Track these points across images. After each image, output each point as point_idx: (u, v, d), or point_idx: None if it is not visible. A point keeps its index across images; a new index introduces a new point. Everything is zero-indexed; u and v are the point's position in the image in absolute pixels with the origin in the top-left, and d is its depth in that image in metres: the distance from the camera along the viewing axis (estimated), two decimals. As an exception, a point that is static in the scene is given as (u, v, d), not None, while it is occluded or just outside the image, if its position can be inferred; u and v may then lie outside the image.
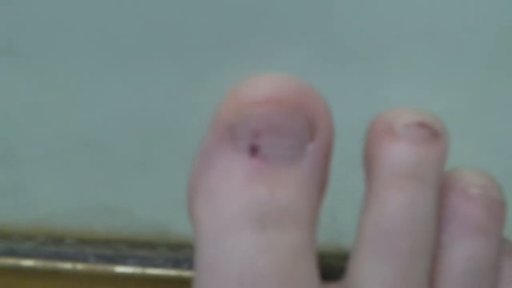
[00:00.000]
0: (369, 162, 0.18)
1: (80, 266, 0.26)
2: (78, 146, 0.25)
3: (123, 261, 0.26)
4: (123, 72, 0.24)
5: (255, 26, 0.22)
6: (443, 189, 0.18)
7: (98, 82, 0.24)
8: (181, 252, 0.26)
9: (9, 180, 0.26)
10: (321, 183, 0.17)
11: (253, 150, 0.16)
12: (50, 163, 0.25)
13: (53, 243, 0.26)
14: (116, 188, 0.26)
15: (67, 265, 0.26)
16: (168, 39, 0.23)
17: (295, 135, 0.16)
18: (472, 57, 0.23)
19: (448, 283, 0.18)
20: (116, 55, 0.23)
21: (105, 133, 0.25)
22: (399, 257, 0.17)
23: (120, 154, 0.25)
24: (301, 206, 0.17)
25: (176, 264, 0.26)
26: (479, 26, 0.22)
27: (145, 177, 0.25)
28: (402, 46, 0.22)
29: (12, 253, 0.26)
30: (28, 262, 0.26)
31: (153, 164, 0.25)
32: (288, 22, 0.22)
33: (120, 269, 0.26)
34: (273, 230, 0.16)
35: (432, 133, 0.17)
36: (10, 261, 0.26)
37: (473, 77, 0.23)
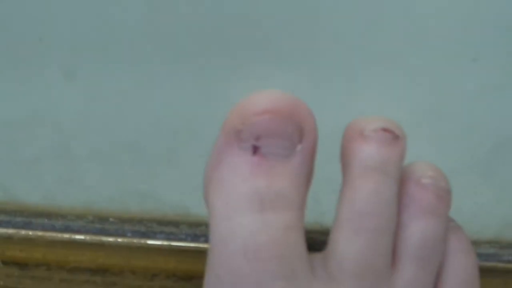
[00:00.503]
0: (345, 158, 0.18)
1: (120, 240, 0.26)
2: (118, 145, 0.25)
3: (153, 236, 0.26)
4: (153, 87, 0.24)
5: (258, 53, 0.22)
6: (402, 179, 0.18)
7: (132, 95, 0.24)
8: (198, 229, 0.26)
9: (66, 172, 0.26)
10: (308, 175, 0.18)
11: (255, 150, 0.17)
12: (98, 158, 0.25)
13: (99, 222, 0.26)
14: (148, 179, 0.26)
15: (110, 239, 0.26)
16: (190, 64, 0.23)
17: (287, 138, 0.17)
18: (425, 75, 0.23)
19: (406, 254, 0.18)
20: (146, 74, 0.23)
21: (139, 136, 0.25)
22: (368, 232, 0.17)
23: (151, 152, 0.25)
24: (292, 192, 0.17)
25: (194, 238, 0.26)
26: (432, 54, 0.22)
27: (170, 170, 0.25)
28: (370, 68, 0.22)
29: (67, 229, 0.26)
30: (79, 237, 0.26)
31: (177, 160, 0.25)
32: (282, 49, 0.22)
33: (151, 242, 0.26)
34: (270, 211, 0.17)
35: (394, 136, 0.18)
36: (66, 235, 0.26)
37: (427, 91, 0.23)
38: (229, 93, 0.22)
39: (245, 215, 0.17)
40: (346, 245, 0.17)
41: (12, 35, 0.23)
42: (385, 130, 0.18)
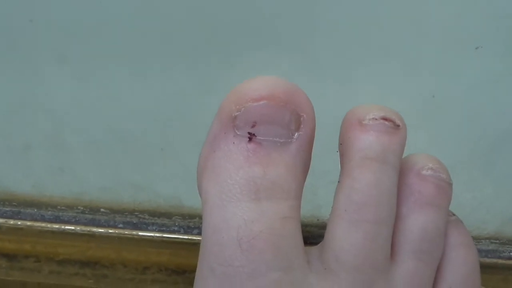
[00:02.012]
0: (343, 148, 0.17)
1: (111, 231, 0.26)
2: (111, 136, 0.25)
3: (145, 227, 0.26)
4: (147, 77, 0.23)
5: (254, 41, 0.22)
6: (402, 170, 0.18)
7: (127, 84, 0.23)
8: (191, 221, 0.26)
9: (58, 162, 0.25)
10: (305, 164, 0.17)
11: (250, 137, 0.16)
12: (90, 149, 0.25)
13: (90, 212, 0.26)
14: (141, 170, 0.25)
15: (101, 230, 0.26)
16: (184, 52, 0.23)
17: (284, 125, 0.16)
18: (426, 64, 0.22)
19: (406, 246, 0.18)
20: (143, 64, 0.23)
21: (132, 126, 0.24)
22: (366, 224, 0.17)
23: (144, 143, 0.25)
24: (288, 181, 0.16)
25: (187, 230, 0.26)
26: (433, 42, 0.22)
27: (164, 161, 0.25)
28: (370, 57, 0.22)
29: (57, 219, 0.26)
30: (70, 227, 0.26)
31: (170, 151, 0.25)
32: (280, 38, 0.22)
33: (143, 233, 0.26)
34: (266, 200, 0.16)
35: (394, 125, 0.17)
36: (56, 226, 0.26)
37: (428, 81, 0.23)
38: (223, 83, 0.22)
39: (239, 203, 0.16)
40: (344, 237, 0.17)
41: (0, 15, 0.22)
42: (385, 119, 0.17)
